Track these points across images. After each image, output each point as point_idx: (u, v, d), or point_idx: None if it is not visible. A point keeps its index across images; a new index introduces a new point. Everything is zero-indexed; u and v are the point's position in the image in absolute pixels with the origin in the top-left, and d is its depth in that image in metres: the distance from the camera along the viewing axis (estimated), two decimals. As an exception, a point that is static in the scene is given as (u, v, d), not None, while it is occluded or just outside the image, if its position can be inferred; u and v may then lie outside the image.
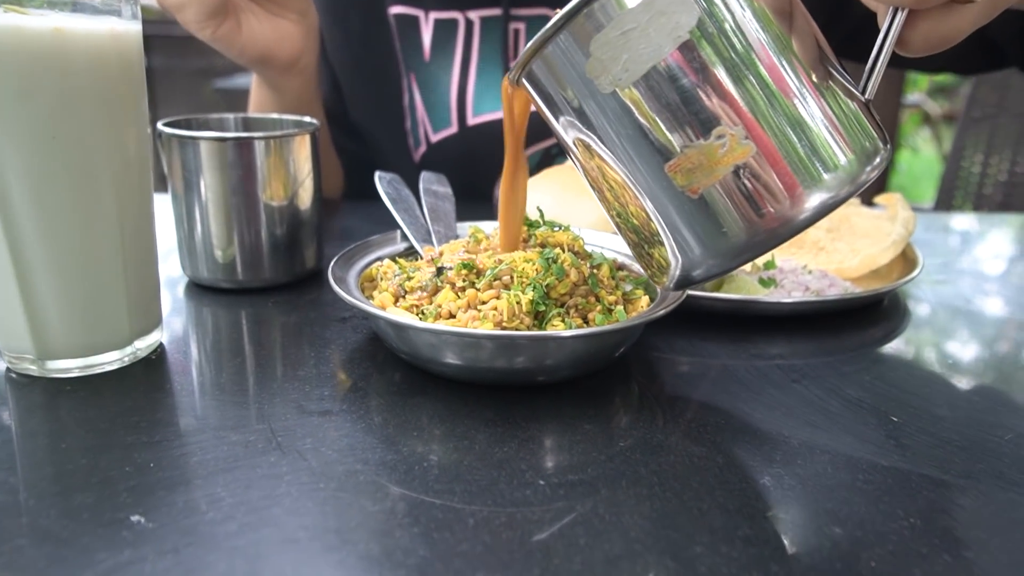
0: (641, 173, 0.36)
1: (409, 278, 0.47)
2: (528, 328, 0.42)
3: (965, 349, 0.54)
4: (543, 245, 0.48)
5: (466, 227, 0.57)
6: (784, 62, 0.34)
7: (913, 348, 0.54)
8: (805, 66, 0.34)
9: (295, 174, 0.57)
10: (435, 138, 0.89)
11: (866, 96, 0.36)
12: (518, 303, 0.42)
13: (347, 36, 0.88)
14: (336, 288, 0.44)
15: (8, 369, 0.43)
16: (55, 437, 0.37)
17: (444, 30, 0.85)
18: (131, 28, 0.41)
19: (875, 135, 0.35)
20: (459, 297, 0.44)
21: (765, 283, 0.58)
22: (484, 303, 0.43)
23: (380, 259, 0.53)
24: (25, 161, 0.38)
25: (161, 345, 0.48)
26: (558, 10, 0.35)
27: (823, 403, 0.44)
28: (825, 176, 0.34)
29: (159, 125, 0.55)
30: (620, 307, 0.45)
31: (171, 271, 0.61)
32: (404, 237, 0.55)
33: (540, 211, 0.52)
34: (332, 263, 0.48)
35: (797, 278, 0.59)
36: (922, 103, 3.88)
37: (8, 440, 0.37)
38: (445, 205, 0.59)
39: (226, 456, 0.36)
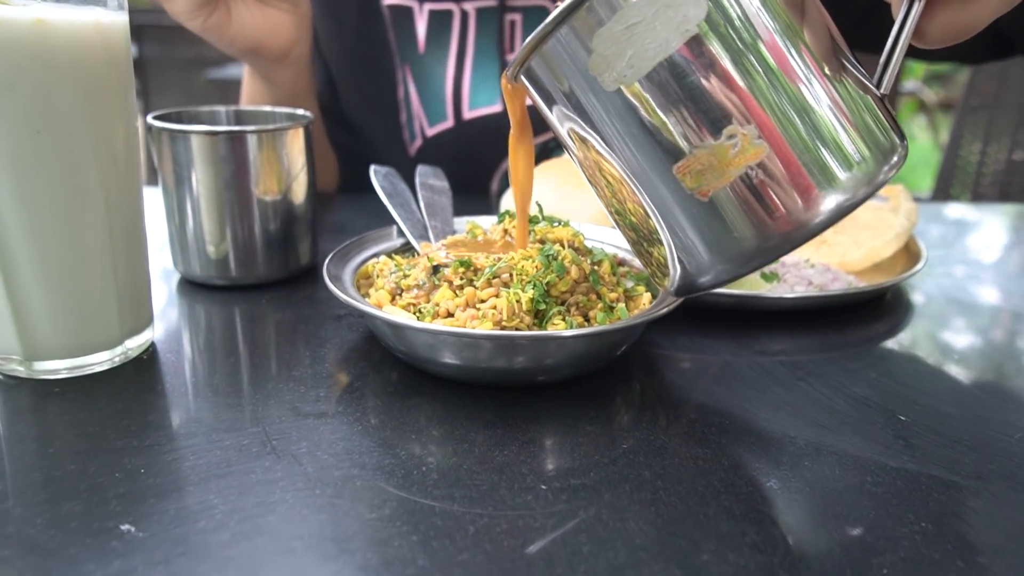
0: (647, 175, 0.34)
1: (405, 275, 0.46)
2: (528, 327, 0.41)
3: (971, 344, 0.53)
4: (542, 241, 0.47)
5: (463, 222, 0.56)
6: (797, 55, 0.32)
7: (918, 343, 0.54)
8: (818, 59, 0.33)
9: (288, 168, 0.56)
10: (431, 132, 0.87)
11: (881, 90, 0.34)
12: (518, 301, 0.41)
13: (340, 28, 0.87)
14: (331, 287, 0.43)
15: (-5, 371, 0.42)
16: (43, 442, 0.36)
17: (439, 21, 0.83)
18: (117, 19, 0.40)
19: (892, 132, 0.34)
20: (457, 295, 0.43)
21: (767, 277, 0.57)
22: (483, 301, 0.42)
23: (376, 255, 0.51)
24: (8, 157, 0.37)
25: (153, 344, 0.47)
26: (558, 3, 0.33)
27: (829, 402, 0.43)
28: (841, 177, 0.32)
29: (149, 118, 0.54)
30: (622, 305, 0.44)
31: (163, 267, 0.60)
32: (400, 232, 0.54)
33: (539, 206, 0.51)
34: (327, 260, 0.47)
35: (800, 272, 0.58)
36: (918, 91, 3.86)
37: (-6, 445, 0.36)
38: (442, 199, 0.58)
39: (219, 461, 0.35)
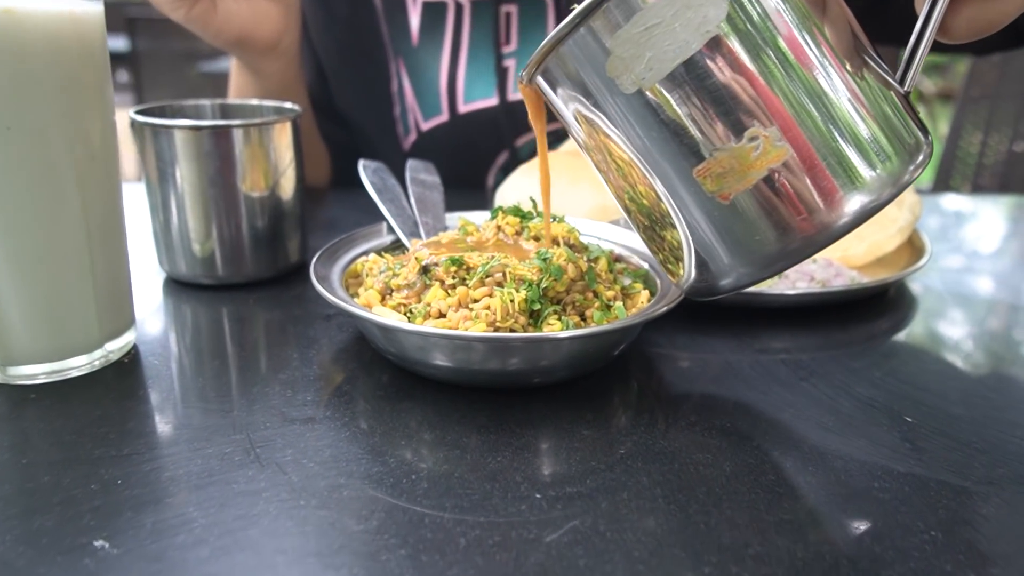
0: (667, 178, 0.33)
1: (395, 274, 0.44)
2: (523, 327, 0.40)
3: (978, 341, 0.52)
4: (537, 238, 0.45)
5: (455, 218, 0.54)
6: (819, 54, 0.31)
7: (924, 341, 0.52)
8: (841, 57, 0.32)
9: (276, 163, 0.54)
10: (425, 126, 0.86)
11: (905, 88, 0.33)
12: (512, 301, 0.40)
13: (331, 19, 0.85)
14: (318, 287, 0.42)
15: (-30, 376, 0.41)
16: (17, 451, 0.35)
17: (433, 13, 0.82)
18: (92, 9, 0.38)
19: (916, 130, 0.33)
20: (449, 295, 0.42)
21: (768, 273, 0.55)
22: (476, 301, 0.41)
23: (366, 253, 0.50)
24: (-22, 155, 0.36)
25: (135, 347, 0.45)
26: (574, 5, 0.32)
27: (833, 403, 0.41)
28: (866, 177, 0.31)
29: (130, 113, 0.52)
30: (619, 303, 0.43)
31: (148, 266, 0.58)
32: (390, 229, 0.53)
33: (533, 201, 0.49)
34: (315, 259, 0.46)
35: (802, 267, 0.57)
36: (916, 81, 3.84)
37: (-34, 455, 0.35)
38: (433, 195, 0.56)
39: (200, 471, 0.34)
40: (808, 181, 0.31)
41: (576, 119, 0.35)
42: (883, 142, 0.32)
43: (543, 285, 0.41)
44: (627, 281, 0.47)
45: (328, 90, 0.89)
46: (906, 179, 0.32)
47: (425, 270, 0.43)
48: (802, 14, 0.31)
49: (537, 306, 0.40)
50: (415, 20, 0.82)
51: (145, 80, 3.11)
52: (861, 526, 0.31)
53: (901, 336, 0.52)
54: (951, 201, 0.93)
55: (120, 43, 3.11)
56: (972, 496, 0.34)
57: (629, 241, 0.52)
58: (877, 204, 0.32)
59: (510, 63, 0.82)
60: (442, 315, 0.41)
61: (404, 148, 0.88)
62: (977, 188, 1.71)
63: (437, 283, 0.42)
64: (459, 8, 0.80)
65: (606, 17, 0.31)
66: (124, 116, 0.49)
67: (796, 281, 0.55)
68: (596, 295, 0.43)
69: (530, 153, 0.87)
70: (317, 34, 0.87)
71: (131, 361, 0.44)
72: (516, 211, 0.48)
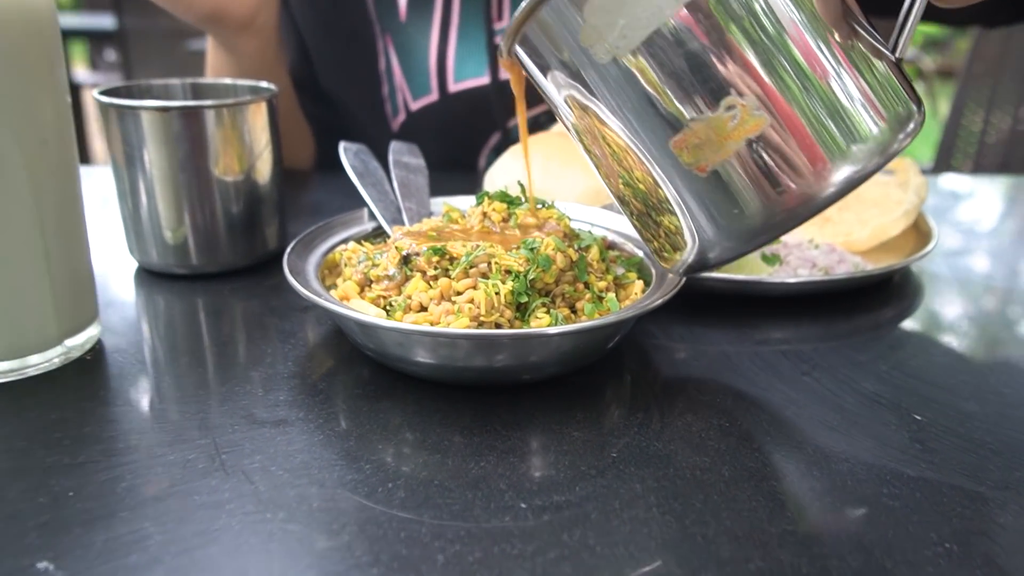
0: (646, 152, 0.32)
1: (375, 265, 0.42)
2: (509, 321, 0.38)
3: (988, 332, 0.49)
4: (523, 227, 0.43)
5: (441, 203, 0.52)
6: (802, 20, 0.30)
7: (931, 331, 0.50)
8: (826, 23, 0.30)
9: (251, 145, 0.52)
10: (415, 106, 0.83)
11: (897, 54, 0.31)
12: (497, 294, 0.37)
13: (314, -7, 0.81)
14: (291, 280, 0.39)
15: (-80, 375, 0.38)
16: (-36, 459, 0.32)
17: None
18: (40, -20, 0.35)
19: (907, 98, 0.32)
20: (431, 287, 0.39)
21: (769, 260, 0.53)
22: (459, 294, 0.38)
23: (345, 241, 0.47)
24: (-84, 139, 0.33)
25: (99, 343, 0.43)
26: None
27: (837, 399, 0.39)
28: (852, 147, 0.30)
29: (94, 93, 0.49)
30: (612, 294, 0.40)
31: (118, 256, 0.55)
32: (372, 216, 0.50)
33: (522, 187, 0.47)
34: (289, 249, 0.43)
35: (803, 253, 0.55)
36: (916, 58, 3.79)
37: (-90, 463, 0.32)
38: (417, 179, 0.54)
39: (159, 480, 0.31)
40: (789, 151, 0.30)
41: (556, 93, 0.34)
42: (870, 110, 0.30)
43: (530, 276, 0.38)
44: (620, 270, 0.44)
45: (311, 69, 0.86)
46: (895, 148, 0.31)
47: (406, 260, 0.40)
48: None
49: (524, 298, 0.38)
50: (403, -6, 0.79)
51: (134, 59, 3.05)
52: (870, 538, 0.29)
53: (907, 326, 0.50)
54: (953, 181, 0.91)
55: (107, 21, 3.06)
56: (988, 503, 0.31)
57: (623, 227, 0.49)
58: (863, 174, 0.31)
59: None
60: (423, 308, 0.39)
61: (393, 129, 0.85)
62: (979, 168, 1.68)
63: (418, 274, 0.40)
64: (448, -19, 0.77)
65: None
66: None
67: (797, 268, 0.53)
68: (587, 286, 0.41)
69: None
70: (299, 9, 0.83)
71: (94, 358, 0.41)
72: (503, 196, 0.46)
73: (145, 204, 0.50)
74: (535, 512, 0.30)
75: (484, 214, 0.45)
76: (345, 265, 0.44)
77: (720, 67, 0.30)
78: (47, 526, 0.28)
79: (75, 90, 2.12)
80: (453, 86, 0.81)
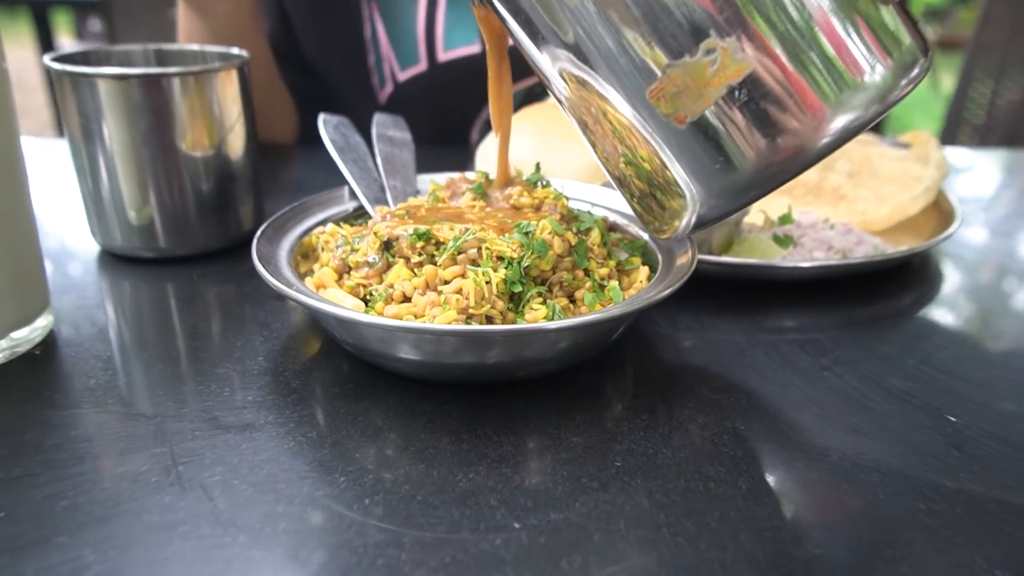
0: (623, 102, 0.29)
1: (354, 249, 0.38)
2: (501, 313, 0.34)
3: (1020, 321, 0.46)
4: (516, 207, 0.39)
5: (428, 180, 0.48)
6: None
7: (957, 320, 0.46)
8: None
9: (221, 117, 0.47)
10: (402, 76, 0.78)
11: None
12: (488, 283, 0.33)
13: (295, -46, 0.77)
14: (259, 267, 0.35)
15: None
16: None
17: None
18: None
19: (910, 41, 0.28)
20: (415, 275, 0.35)
21: (781, 241, 0.49)
22: (446, 283, 0.34)
23: (323, 223, 0.43)
24: None
25: (52, 334, 0.39)
26: None
27: (863, 398, 0.36)
28: (846, 93, 0.28)
29: (46, 59, 0.45)
30: (614, 283, 0.37)
31: (79, 237, 0.51)
32: (353, 194, 0.46)
33: (518, 171, 0.43)
34: (259, 232, 0.39)
35: (818, 234, 0.51)
36: (918, 29, 3.72)
37: None
38: (403, 154, 0.50)
39: (105, 498, 0.28)
40: (776, 99, 0.28)
41: (528, 42, 0.31)
42: (869, 53, 0.28)
43: (525, 263, 0.34)
44: (624, 255, 0.41)
45: (292, 36, 0.81)
46: (896, 94, 0.28)
47: (387, 245, 0.36)
48: None
49: (518, 288, 0.34)
50: (389, -43, 0.74)
51: (119, 28, 2.97)
52: (908, 564, 0.26)
53: (931, 314, 0.46)
54: (962, 155, 0.87)
55: (91, -11, 2.97)
56: (1038, 520, 0.28)
57: (626, 207, 0.45)
58: (860, 123, 0.28)
59: None
60: (407, 299, 0.35)
61: (380, 101, 0.81)
62: (985, 141, 1.63)
63: (401, 260, 0.36)
64: (437, -58, 0.72)
65: None
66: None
67: (812, 250, 0.49)
68: (587, 273, 0.37)
69: (518, 106, 0.79)
70: (279, -28, 0.78)
71: (44, 353, 0.37)
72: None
73: (106, 182, 0.46)
74: (530, 534, 0.27)
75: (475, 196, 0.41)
76: (322, 250, 0.40)
77: (695, 6, 0.27)
78: (-30, 556, 0.25)
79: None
80: (443, 55, 0.77)
